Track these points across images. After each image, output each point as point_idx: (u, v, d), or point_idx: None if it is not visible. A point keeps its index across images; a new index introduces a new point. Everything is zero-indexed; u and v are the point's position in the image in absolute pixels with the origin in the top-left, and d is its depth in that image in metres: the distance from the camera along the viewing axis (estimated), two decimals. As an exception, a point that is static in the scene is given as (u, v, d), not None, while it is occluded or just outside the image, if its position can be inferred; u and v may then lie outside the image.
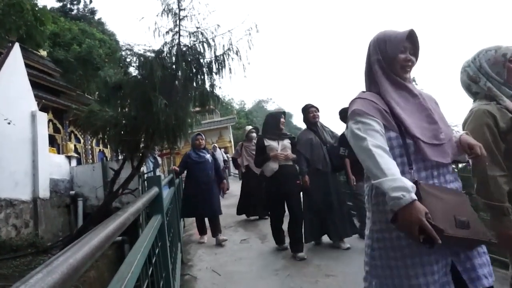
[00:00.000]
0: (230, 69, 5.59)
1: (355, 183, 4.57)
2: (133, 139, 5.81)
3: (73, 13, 25.45)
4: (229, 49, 5.56)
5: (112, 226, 0.78)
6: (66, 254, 0.53)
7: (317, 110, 4.47)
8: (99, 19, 27.98)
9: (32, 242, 6.49)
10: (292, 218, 4.10)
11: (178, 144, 7.08)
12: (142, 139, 6.06)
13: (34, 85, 9.67)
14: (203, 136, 5.45)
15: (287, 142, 4.21)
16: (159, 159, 12.53)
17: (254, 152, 5.62)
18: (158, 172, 9.36)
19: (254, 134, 6.59)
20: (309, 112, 4.46)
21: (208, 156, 5.25)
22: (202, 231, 5.31)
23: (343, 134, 4.28)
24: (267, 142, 4.16)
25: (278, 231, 4.30)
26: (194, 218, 5.53)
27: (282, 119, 4.30)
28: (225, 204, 8.83)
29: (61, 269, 0.48)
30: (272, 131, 4.24)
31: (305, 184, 4.11)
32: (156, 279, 1.62)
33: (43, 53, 13.89)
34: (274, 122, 4.26)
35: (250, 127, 7.21)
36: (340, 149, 4.29)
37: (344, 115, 5.90)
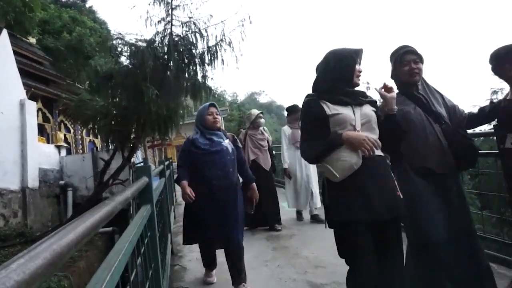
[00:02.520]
0: (222, 60, 5.56)
1: None
2: (124, 130, 5.77)
3: (63, 0, 24.94)
4: (221, 40, 5.52)
5: (99, 214, 0.78)
6: (50, 240, 0.53)
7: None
8: (90, 7, 27.46)
9: (21, 232, 6.43)
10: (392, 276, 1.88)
11: (169, 135, 7.04)
12: (133, 130, 6.02)
13: (23, 73, 9.49)
14: (218, 109, 3.25)
15: (369, 109, 1.99)
16: (140, 153, 12.37)
17: (261, 143, 5.20)
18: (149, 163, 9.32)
19: (263, 120, 5.35)
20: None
21: (226, 142, 3.10)
22: (209, 263, 3.41)
23: (483, 109, 2.40)
24: (331, 109, 1.94)
25: None
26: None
27: (358, 65, 1.99)
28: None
29: (44, 255, 0.47)
30: (339, 87, 1.97)
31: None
32: (145, 268, 1.62)
33: (32, 40, 13.62)
34: (342, 70, 1.97)
35: (257, 111, 5.47)
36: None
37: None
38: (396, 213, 1.83)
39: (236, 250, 3.03)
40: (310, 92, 2.11)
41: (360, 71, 1.88)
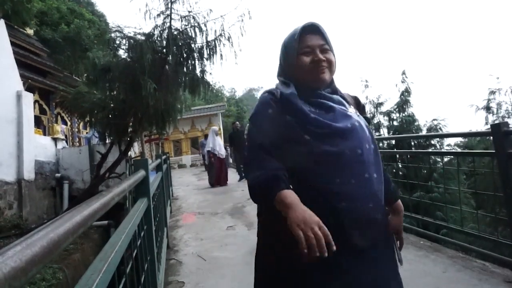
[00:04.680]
0: (221, 55, 5.56)
1: None
2: (121, 123, 5.76)
3: (61, -9, 24.74)
4: (221, 35, 5.51)
5: (96, 204, 0.78)
6: (48, 228, 0.53)
7: None
8: (89, -1, 27.28)
9: (16, 224, 6.42)
10: None
11: (166, 130, 7.04)
12: (130, 123, 6.01)
13: (20, 64, 9.43)
14: (327, 38, 1.26)
15: None
16: (137, 147, 12.50)
17: None
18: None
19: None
20: None
21: (353, 111, 1.26)
22: None
23: None
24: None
25: None
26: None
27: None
28: (208, 187, 8.87)
29: (41, 243, 0.47)
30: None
31: None
32: (141, 262, 1.62)
33: (30, 31, 13.53)
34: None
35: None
36: None
37: None
38: None
39: None
40: None
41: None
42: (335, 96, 1.25)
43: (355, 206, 1.08)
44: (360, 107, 1.37)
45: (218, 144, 9.32)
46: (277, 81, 1.32)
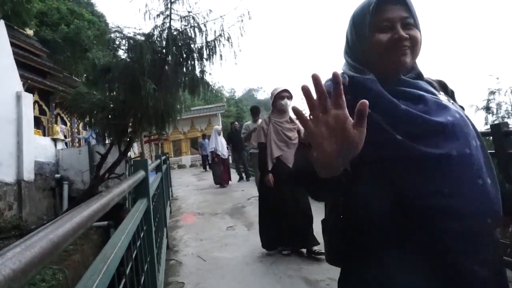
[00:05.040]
0: (221, 55, 5.57)
1: None
2: (120, 123, 5.76)
3: (61, -8, 24.74)
4: (220, 35, 5.51)
5: (96, 205, 0.78)
6: (47, 229, 0.53)
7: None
8: (89, -1, 27.28)
9: (16, 225, 6.40)
10: None
11: (166, 130, 7.04)
12: (130, 124, 6.01)
13: (20, 65, 9.42)
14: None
15: None
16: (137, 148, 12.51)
17: (289, 134, 3.63)
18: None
19: (288, 102, 3.64)
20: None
21: (445, 98, 0.98)
22: None
23: None
24: None
25: None
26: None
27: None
28: (207, 188, 8.87)
29: (40, 244, 0.47)
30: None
31: None
32: (141, 262, 1.62)
33: (30, 32, 13.53)
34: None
35: (280, 87, 3.74)
36: None
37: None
38: None
39: None
40: None
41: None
42: (422, 83, 0.97)
43: (471, 224, 0.79)
44: (449, 94, 1.07)
45: (220, 144, 9.31)
46: (343, 63, 1.04)
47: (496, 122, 9.11)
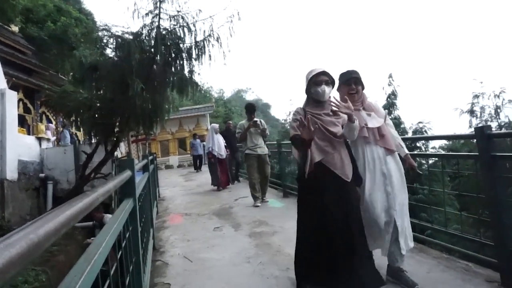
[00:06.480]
0: (210, 56, 5.56)
1: None
2: (107, 123, 5.69)
3: (48, -12, 24.32)
4: (209, 35, 5.51)
5: (79, 205, 0.77)
6: (27, 229, 0.52)
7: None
8: (76, -4, 26.88)
9: (-2, 225, 6.28)
10: None
11: (154, 130, 6.98)
12: (117, 123, 5.94)
13: (4, 62, 9.25)
14: None
15: None
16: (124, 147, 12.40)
17: (333, 129, 2.56)
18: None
19: (327, 90, 2.62)
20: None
21: None
22: None
23: None
24: None
25: None
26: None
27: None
28: (195, 188, 8.82)
29: (20, 244, 0.46)
30: None
31: None
32: (126, 263, 1.60)
33: (15, 28, 13.27)
34: None
35: (318, 68, 2.67)
36: None
37: None
38: None
39: None
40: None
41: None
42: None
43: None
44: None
45: (217, 144, 8.42)
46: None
47: (480, 125, 9.29)
